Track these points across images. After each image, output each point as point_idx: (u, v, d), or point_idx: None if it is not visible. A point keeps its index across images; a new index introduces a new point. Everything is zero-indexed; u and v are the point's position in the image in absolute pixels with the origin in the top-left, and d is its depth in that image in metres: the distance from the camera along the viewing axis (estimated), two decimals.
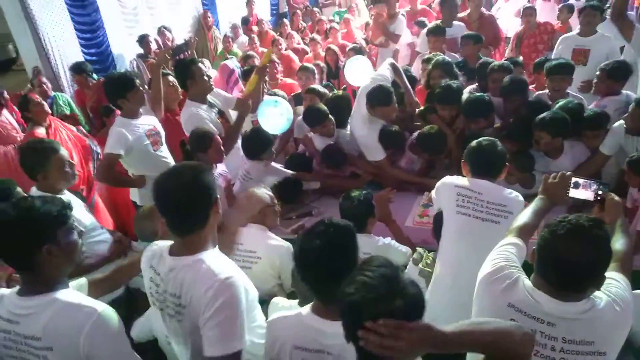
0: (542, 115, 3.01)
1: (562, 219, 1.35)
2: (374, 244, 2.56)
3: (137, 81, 3.15)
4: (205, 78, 3.33)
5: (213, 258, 1.54)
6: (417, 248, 2.49)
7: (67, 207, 1.51)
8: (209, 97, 3.47)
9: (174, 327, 1.60)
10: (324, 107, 3.58)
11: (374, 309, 1.05)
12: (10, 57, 9.14)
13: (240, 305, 1.48)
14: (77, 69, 5.07)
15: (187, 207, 1.50)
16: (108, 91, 3.17)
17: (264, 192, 2.63)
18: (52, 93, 4.99)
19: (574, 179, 1.88)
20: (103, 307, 1.43)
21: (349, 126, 3.67)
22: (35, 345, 1.41)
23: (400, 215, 3.12)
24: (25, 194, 2.33)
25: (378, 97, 3.30)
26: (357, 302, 1.08)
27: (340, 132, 3.68)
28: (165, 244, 1.65)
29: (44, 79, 5.10)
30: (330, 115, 3.54)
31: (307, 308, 1.52)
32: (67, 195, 2.39)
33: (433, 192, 2.42)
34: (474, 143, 2.28)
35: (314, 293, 1.49)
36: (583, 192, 1.90)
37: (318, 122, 3.54)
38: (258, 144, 3.26)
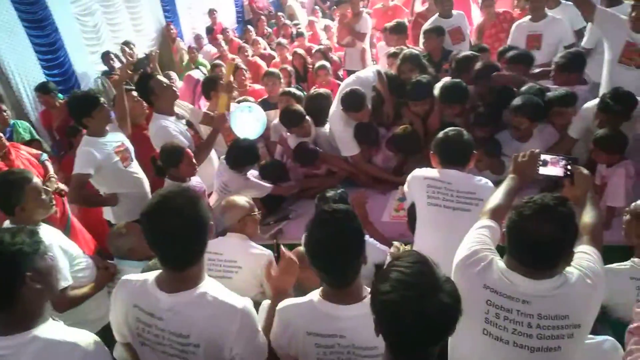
0: (518, 101, 3.05)
1: (527, 200, 1.39)
2: None
3: (102, 98, 3.11)
4: (167, 88, 3.30)
5: (213, 288, 1.48)
6: (394, 242, 2.51)
7: (36, 233, 1.47)
8: (176, 109, 3.44)
9: None
10: (300, 109, 3.60)
11: (414, 307, 1.05)
12: None
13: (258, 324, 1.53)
14: (43, 89, 4.95)
15: (187, 240, 1.41)
16: (73, 111, 3.11)
17: (244, 200, 2.62)
18: (11, 121, 4.87)
19: (542, 156, 1.91)
20: (86, 341, 1.38)
21: (327, 125, 3.68)
22: None
23: (377, 211, 3.15)
24: None
25: (349, 102, 3.33)
26: (395, 300, 1.07)
27: (319, 131, 3.69)
28: (143, 277, 1.55)
29: (4, 106, 4.97)
30: (306, 116, 3.54)
31: (316, 294, 1.54)
32: (44, 228, 2.28)
33: (405, 186, 2.44)
34: (440, 134, 2.31)
35: (328, 279, 1.51)
36: (552, 168, 1.92)
37: (295, 123, 3.55)
38: (247, 157, 3.22)
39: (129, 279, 1.59)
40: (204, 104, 4.57)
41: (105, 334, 1.70)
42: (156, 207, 1.43)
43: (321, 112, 3.66)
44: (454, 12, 4.85)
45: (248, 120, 3.53)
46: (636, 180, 2.77)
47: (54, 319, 1.48)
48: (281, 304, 1.61)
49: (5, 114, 4.75)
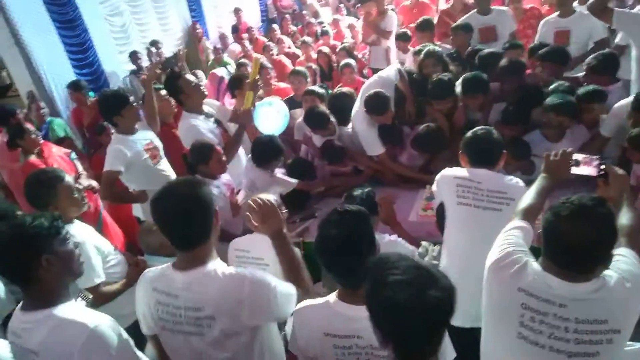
0: (556, 100, 2.99)
1: (564, 200, 1.35)
2: (380, 241, 2.54)
3: (131, 97, 3.16)
4: (196, 87, 3.34)
5: (222, 266, 1.58)
6: (422, 242, 2.49)
7: (58, 218, 1.56)
8: (205, 108, 3.47)
9: (191, 347, 1.58)
10: (325, 111, 3.58)
11: (418, 304, 1.06)
12: (4, 84, 9.16)
13: (270, 283, 1.56)
14: (75, 87, 5.07)
15: (188, 222, 1.51)
16: (102, 109, 3.19)
17: (272, 199, 2.63)
18: (47, 118, 5.01)
19: (575, 156, 1.86)
20: (97, 322, 1.44)
21: (350, 124, 3.68)
22: None
23: (404, 210, 3.11)
24: None
25: (373, 105, 3.32)
26: (401, 301, 1.08)
27: (342, 130, 3.69)
28: (160, 266, 1.65)
29: (42, 104, 5.11)
30: (331, 118, 3.54)
31: (333, 296, 1.54)
32: (77, 225, 2.35)
33: (434, 186, 2.42)
34: (469, 133, 2.28)
35: (339, 280, 1.51)
36: (585, 168, 1.87)
37: (320, 125, 3.55)
38: (270, 152, 3.22)
39: (149, 270, 1.70)
40: (228, 102, 4.60)
41: (137, 329, 1.76)
42: (161, 193, 1.54)
43: (345, 112, 3.65)
44: (495, 9, 4.72)
45: (270, 115, 3.52)
46: None
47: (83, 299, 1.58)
48: (298, 306, 1.62)
49: (42, 111, 4.88)
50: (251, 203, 1.85)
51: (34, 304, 1.49)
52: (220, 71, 5.85)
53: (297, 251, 1.84)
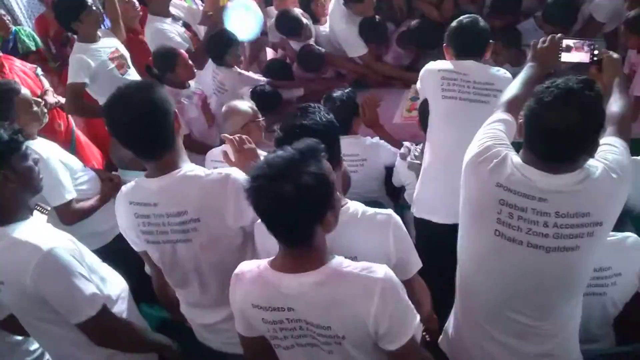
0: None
1: (549, 84, 1.22)
2: (362, 144, 2.48)
3: (89, 0, 2.89)
4: None
5: (196, 168, 1.49)
6: (404, 142, 2.41)
7: (18, 132, 1.47)
8: (172, 9, 3.21)
9: (182, 256, 1.52)
10: (298, 15, 3.32)
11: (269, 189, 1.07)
12: None
13: None
14: None
15: (146, 129, 1.40)
16: (58, 15, 2.92)
17: (247, 106, 2.49)
18: (13, 27, 4.61)
19: (565, 41, 1.71)
20: (52, 245, 1.38)
21: (327, 23, 3.43)
22: None
23: (388, 113, 3.01)
24: None
25: None
26: (254, 185, 1.09)
27: (318, 30, 3.45)
28: (131, 182, 1.56)
29: (2, 12, 4.68)
30: (304, 22, 3.29)
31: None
32: (40, 142, 2.24)
33: (418, 83, 2.28)
34: (454, 23, 2.12)
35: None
36: (576, 54, 1.72)
37: (292, 32, 3.31)
38: (221, 44, 3.05)
39: (124, 185, 1.60)
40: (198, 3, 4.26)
41: (117, 245, 1.70)
42: (112, 101, 1.42)
43: None
44: None
45: (243, 19, 3.27)
46: None
47: None
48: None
49: (6, 19, 4.47)
50: (227, 136, 1.71)
51: None
52: None
53: None
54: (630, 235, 1.56)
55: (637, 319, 1.67)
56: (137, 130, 1.40)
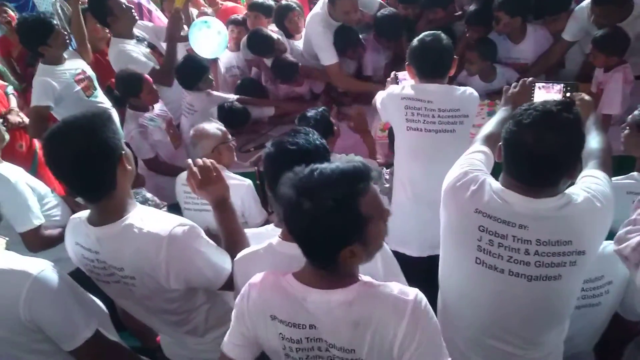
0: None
1: (527, 107, 1.22)
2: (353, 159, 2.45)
3: (55, 22, 2.81)
4: (127, 10, 3.00)
5: (140, 219, 1.36)
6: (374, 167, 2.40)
7: None
8: (135, 31, 3.14)
9: (131, 295, 1.45)
10: (269, 33, 3.28)
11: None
12: None
13: (200, 237, 1.39)
14: None
15: (83, 172, 1.29)
16: (24, 39, 2.83)
17: (215, 128, 2.43)
18: None
19: (537, 85, 1.77)
20: (39, 268, 1.29)
21: (302, 37, 3.42)
22: None
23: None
24: None
25: None
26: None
27: (292, 45, 3.43)
28: (83, 214, 1.44)
29: None
30: (278, 38, 3.27)
31: (276, 237, 1.33)
32: (5, 166, 2.13)
33: (378, 104, 2.24)
34: (415, 42, 2.05)
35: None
36: (549, 95, 1.79)
37: (264, 52, 3.29)
38: (193, 73, 2.97)
39: (73, 217, 1.49)
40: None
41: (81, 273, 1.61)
42: (52, 135, 1.30)
43: None
44: None
45: (207, 35, 3.14)
46: (634, 87, 2.62)
47: None
48: (239, 255, 1.38)
49: None
50: (191, 165, 1.56)
51: None
52: None
53: (241, 225, 1.59)
54: (609, 244, 1.55)
55: (617, 339, 1.67)
56: (73, 171, 1.29)
